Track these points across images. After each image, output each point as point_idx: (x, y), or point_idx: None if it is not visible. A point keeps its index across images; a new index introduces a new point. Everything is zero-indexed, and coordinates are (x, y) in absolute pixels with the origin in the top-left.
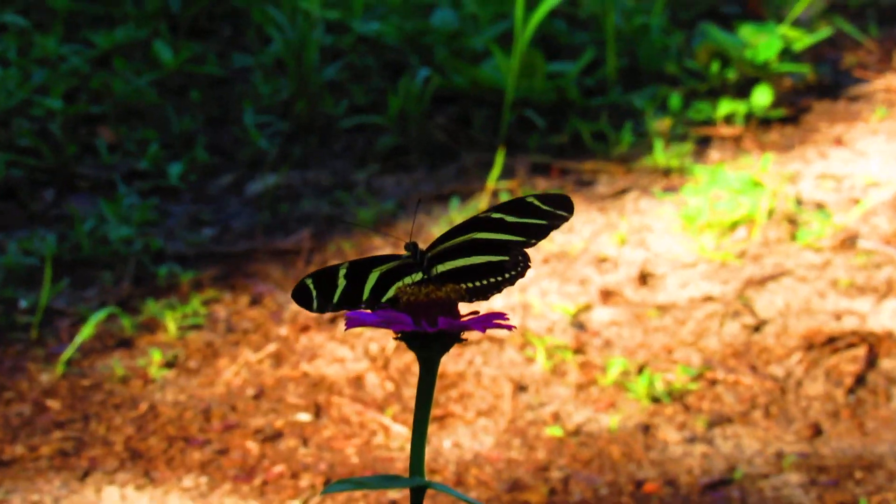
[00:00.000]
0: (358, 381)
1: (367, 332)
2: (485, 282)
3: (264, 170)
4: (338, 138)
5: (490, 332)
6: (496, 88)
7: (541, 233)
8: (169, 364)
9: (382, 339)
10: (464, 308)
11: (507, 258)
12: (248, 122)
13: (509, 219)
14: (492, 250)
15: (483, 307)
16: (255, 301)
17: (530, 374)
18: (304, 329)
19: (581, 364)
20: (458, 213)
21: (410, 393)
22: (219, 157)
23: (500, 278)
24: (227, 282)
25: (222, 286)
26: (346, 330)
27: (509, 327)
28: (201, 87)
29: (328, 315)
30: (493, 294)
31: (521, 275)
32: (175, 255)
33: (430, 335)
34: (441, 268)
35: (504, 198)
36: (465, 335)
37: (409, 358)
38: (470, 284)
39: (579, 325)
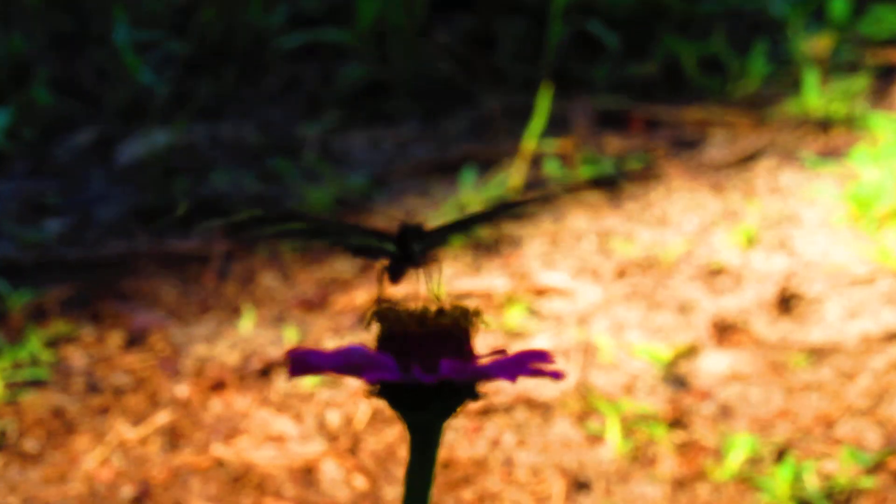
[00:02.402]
0: (308, 474)
1: (324, 390)
2: None
3: (149, 122)
4: (272, 69)
5: (524, 384)
6: None
7: None
8: None
9: (347, 403)
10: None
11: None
12: (119, 40)
13: None
14: None
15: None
16: (136, 340)
17: (596, 462)
18: (218, 387)
19: (681, 445)
20: (473, 192)
21: (395, 493)
22: (72, 100)
23: None
24: (88, 308)
25: (80, 315)
26: (289, 377)
27: (556, 374)
28: None
29: (256, 365)
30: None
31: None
32: (0, 263)
33: (427, 388)
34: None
35: (551, 166)
36: (484, 388)
37: (394, 433)
38: None
39: (678, 381)
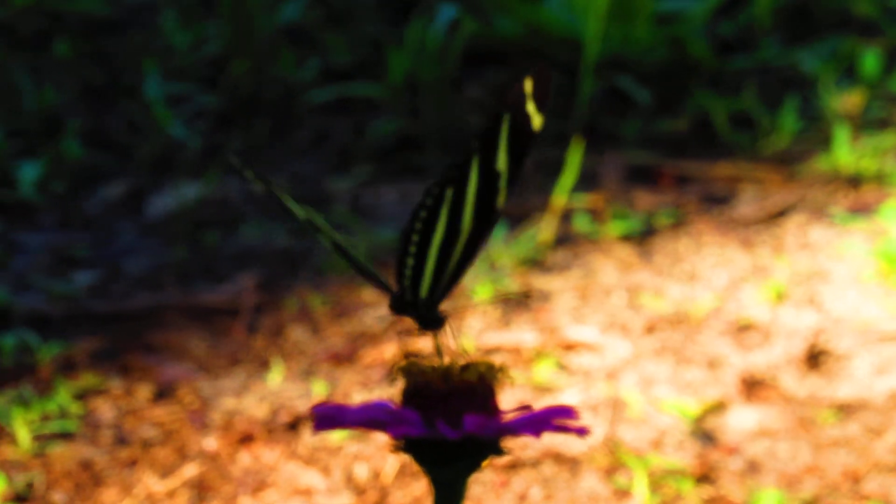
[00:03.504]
0: None
1: (352, 444)
2: None
3: (179, 175)
4: (303, 122)
5: (551, 441)
6: (569, 40)
7: None
8: (20, 498)
9: (375, 456)
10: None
11: None
12: (150, 93)
13: None
14: None
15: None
16: (164, 393)
17: None
18: (246, 440)
19: (708, 501)
20: (503, 247)
21: None
22: (102, 152)
23: None
24: (117, 361)
25: (108, 368)
26: (315, 432)
27: (581, 430)
28: (73, 34)
29: (285, 418)
30: None
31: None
32: (29, 315)
33: (452, 444)
34: None
35: (581, 221)
36: (511, 443)
37: (421, 487)
38: None
39: (706, 436)
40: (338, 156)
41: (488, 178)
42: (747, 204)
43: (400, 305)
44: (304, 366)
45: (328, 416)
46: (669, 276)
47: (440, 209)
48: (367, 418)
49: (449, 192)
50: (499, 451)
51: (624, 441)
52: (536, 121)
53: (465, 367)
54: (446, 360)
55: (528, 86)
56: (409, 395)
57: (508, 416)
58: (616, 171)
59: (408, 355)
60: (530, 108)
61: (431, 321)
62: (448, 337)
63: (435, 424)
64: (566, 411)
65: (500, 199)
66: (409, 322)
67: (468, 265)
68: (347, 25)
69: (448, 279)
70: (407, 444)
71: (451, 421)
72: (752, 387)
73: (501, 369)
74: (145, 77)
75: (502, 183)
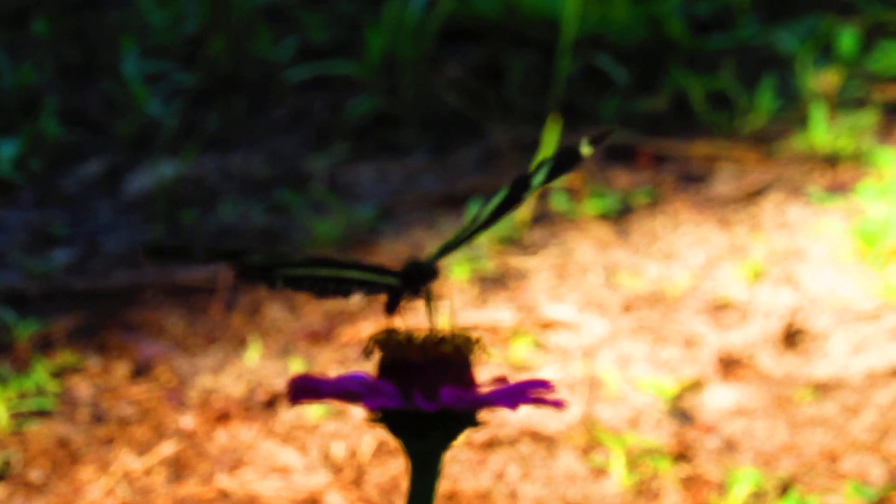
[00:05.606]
0: None
1: (329, 422)
2: None
3: (156, 153)
4: (281, 100)
5: (529, 420)
6: (547, 19)
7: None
8: None
9: (352, 434)
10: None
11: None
12: (128, 71)
13: None
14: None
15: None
16: (141, 371)
17: (600, 495)
18: (223, 418)
19: (685, 479)
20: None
21: None
22: (80, 130)
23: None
24: (94, 339)
25: (86, 346)
26: (291, 404)
27: (557, 403)
28: (51, 12)
29: (262, 397)
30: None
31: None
32: (6, 293)
33: (428, 416)
34: None
35: (559, 200)
36: (490, 421)
37: (398, 465)
38: None
39: (683, 415)
40: (315, 134)
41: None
42: (724, 183)
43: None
44: (282, 344)
45: (304, 388)
46: (647, 255)
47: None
48: (343, 390)
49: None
50: (475, 423)
51: (601, 420)
52: (585, 150)
53: (442, 340)
54: (424, 332)
55: (587, 149)
56: (385, 368)
57: (485, 389)
58: (595, 150)
59: (387, 330)
60: (584, 149)
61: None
62: (427, 314)
63: (411, 396)
64: (542, 384)
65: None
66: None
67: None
68: (325, 3)
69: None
70: (383, 416)
71: (428, 393)
72: (729, 366)
73: (478, 342)
74: (123, 55)
75: (529, 193)
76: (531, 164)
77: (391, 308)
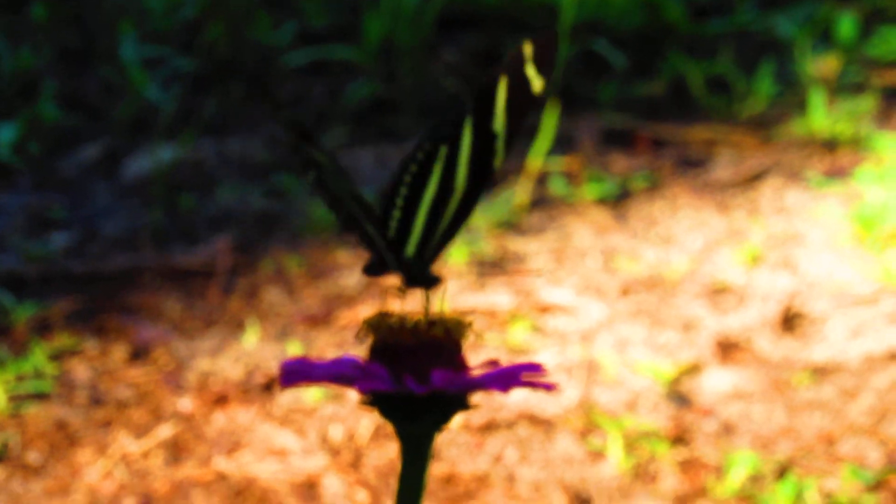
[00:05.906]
0: (310, 489)
1: (327, 405)
2: None
3: (155, 137)
4: (279, 85)
5: (526, 403)
6: (546, 5)
7: None
8: None
9: (350, 417)
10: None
11: None
12: (126, 56)
13: None
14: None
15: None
16: (139, 354)
17: (597, 478)
18: (221, 401)
19: (682, 462)
20: (479, 210)
21: None
22: (79, 115)
23: None
24: (92, 322)
25: (84, 329)
26: (282, 387)
27: (549, 386)
28: None
29: (260, 380)
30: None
31: None
32: (4, 276)
33: (419, 399)
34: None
35: (557, 184)
36: (487, 404)
37: (396, 448)
38: None
39: (681, 399)
40: (314, 119)
41: (484, 138)
42: (723, 167)
43: (380, 262)
44: (280, 327)
45: (296, 371)
46: (645, 239)
47: (432, 165)
48: (335, 373)
49: (443, 150)
50: (466, 407)
51: (599, 403)
52: (537, 84)
53: (434, 323)
54: (417, 316)
55: (529, 49)
56: (377, 351)
57: (477, 372)
58: (592, 134)
59: (380, 313)
60: (530, 71)
61: (423, 280)
62: (426, 299)
63: (403, 379)
64: (535, 367)
65: (497, 161)
66: (386, 283)
67: (461, 224)
68: None
69: (440, 238)
70: (375, 399)
71: (419, 376)
72: (727, 349)
73: (470, 325)
74: (121, 40)
75: (499, 144)
76: (531, 150)
77: (373, 270)
